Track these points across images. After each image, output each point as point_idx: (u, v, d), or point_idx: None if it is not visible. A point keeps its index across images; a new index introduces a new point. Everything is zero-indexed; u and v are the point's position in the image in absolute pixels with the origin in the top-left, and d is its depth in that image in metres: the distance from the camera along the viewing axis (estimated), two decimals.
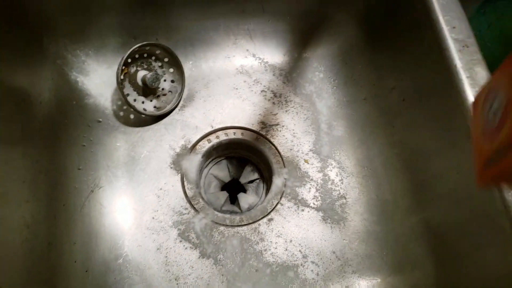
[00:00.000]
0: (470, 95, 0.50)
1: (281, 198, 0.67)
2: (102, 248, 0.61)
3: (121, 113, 0.69)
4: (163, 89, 0.71)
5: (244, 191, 0.73)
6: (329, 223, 0.65)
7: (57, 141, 0.63)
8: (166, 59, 0.69)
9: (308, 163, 0.69)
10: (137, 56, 0.67)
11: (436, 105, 0.56)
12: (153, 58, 0.69)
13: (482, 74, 0.51)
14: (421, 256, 0.61)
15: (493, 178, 0.26)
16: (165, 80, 0.71)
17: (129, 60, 0.66)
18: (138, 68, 0.68)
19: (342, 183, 0.68)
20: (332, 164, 0.69)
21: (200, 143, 0.70)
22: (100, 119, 0.68)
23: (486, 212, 0.49)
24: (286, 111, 0.73)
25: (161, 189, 0.66)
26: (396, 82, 0.65)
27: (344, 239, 0.64)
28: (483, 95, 0.31)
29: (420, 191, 0.62)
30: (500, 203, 0.46)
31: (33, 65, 0.62)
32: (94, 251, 0.60)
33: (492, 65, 0.53)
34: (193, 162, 0.68)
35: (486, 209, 0.48)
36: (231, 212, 0.69)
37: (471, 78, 0.51)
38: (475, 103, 0.32)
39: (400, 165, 0.65)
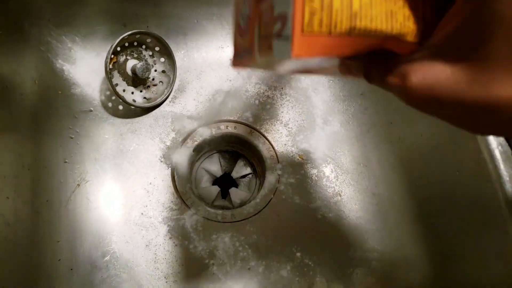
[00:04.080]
0: None
1: (274, 194, 0.65)
2: (88, 245, 0.58)
3: (110, 104, 0.66)
4: (153, 79, 0.68)
5: (236, 186, 0.71)
6: (324, 221, 0.64)
7: (41, 133, 0.60)
8: (157, 48, 0.66)
9: (302, 159, 0.67)
10: (126, 44, 0.64)
11: None
12: (144, 47, 0.66)
13: None
14: (417, 256, 0.60)
15: (241, 66, 0.32)
16: (155, 70, 0.68)
17: (118, 49, 0.62)
18: (128, 57, 0.65)
19: (337, 180, 0.66)
20: (327, 161, 0.68)
21: (192, 136, 0.67)
22: (91, 108, 0.65)
23: (489, 214, 0.48)
24: (281, 104, 0.71)
25: (150, 183, 0.63)
26: None
27: (339, 237, 0.63)
28: None
29: (417, 189, 0.60)
30: (504, 206, 0.45)
31: (14, 52, 0.58)
32: (80, 249, 0.58)
33: None
34: (184, 156, 0.66)
35: (490, 211, 0.47)
36: (223, 208, 0.67)
37: None
38: None
39: (397, 163, 0.63)
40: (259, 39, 0.27)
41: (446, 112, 0.22)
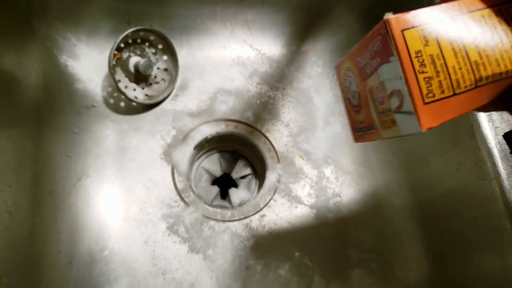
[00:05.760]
0: None
1: (274, 194, 0.65)
2: (88, 238, 0.58)
3: (112, 100, 0.67)
4: (155, 77, 0.68)
5: (236, 186, 0.71)
6: (323, 221, 0.64)
7: (45, 126, 0.60)
8: (160, 46, 0.67)
9: (303, 159, 0.68)
10: (130, 41, 0.64)
11: None
12: (147, 44, 0.66)
13: None
14: (416, 255, 0.60)
15: (364, 140, 0.32)
16: (158, 68, 0.68)
17: (122, 45, 0.63)
18: (131, 54, 0.65)
19: (337, 180, 0.67)
20: (327, 161, 0.68)
21: (192, 134, 0.68)
22: (94, 104, 0.66)
23: (486, 213, 0.48)
24: (283, 105, 0.71)
25: (150, 180, 0.63)
26: None
27: (337, 238, 0.63)
28: (343, 67, 0.32)
29: (417, 190, 0.61)
30: (502, 203, 0.45)
31: (21, 46, 0.59)
32: (80, 242, 0.58)
33: None
34: (184, 154, 0.66)
35: (487, 208, 0.47)
36: (222, 207, 0.67)
37: None
38: (337, 68, 0.34)
39: (398, 164, 0.63)
40: (378, 116, 0.27)
41: None
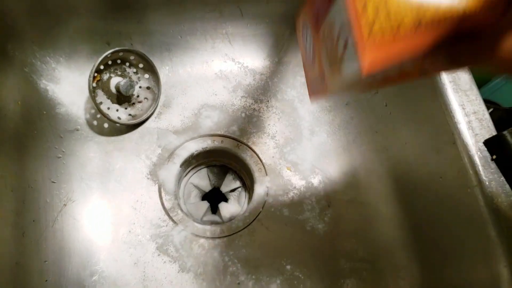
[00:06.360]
0: (454, 100, 0.49)
1: (263, 207, 0.65)
2: (76, 264, 0.58)
3: (95, 122, 0.66)
4: (138, 96, 0.68)
5: (226, 200, 0.71)
6: (313, 232, 0.63)
7: (26, 153, 0.59)
8: (141, 65, 0.67)
9: (290, 171, 0.67)
10: (110, 62, 0.64)
11: (419, 109, 0.55)
12: (127, 64, 0.66)
13: (465, 78, 0.50)
14: (406, 263, 0.59)
15: (317, 96, 0.32)
16: (140, 87, 0.68)
17: (102, 67, 0.63)
18: (112, 75, 0.65)
19: (325, 190, 0.66)
20: (315, 171, 0.67)
21: (178, 151, 0.67)
22: (78, 127, 0.65)
23: (471, 219, 0.48)
24: (268, 117, 0.71)
25: (137, 201, 0.63)
26: None
27: (328, 248, 0.63)
28: (301, 22, 0.33)
29: (403, 197, 0.60)
30: (486, 211, 0.45)
31: None
32: (67, 268, 0.57)
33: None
34: (171, 172, 0.66)
35: (472, 215, 0.47)
36: (212, 223, 0.67)
37: (454, 83, 0.49)
38: (297, 25, 0.35)
39: (384, 171, 0.63)
40: (328, 65, 0.27)
41: None
